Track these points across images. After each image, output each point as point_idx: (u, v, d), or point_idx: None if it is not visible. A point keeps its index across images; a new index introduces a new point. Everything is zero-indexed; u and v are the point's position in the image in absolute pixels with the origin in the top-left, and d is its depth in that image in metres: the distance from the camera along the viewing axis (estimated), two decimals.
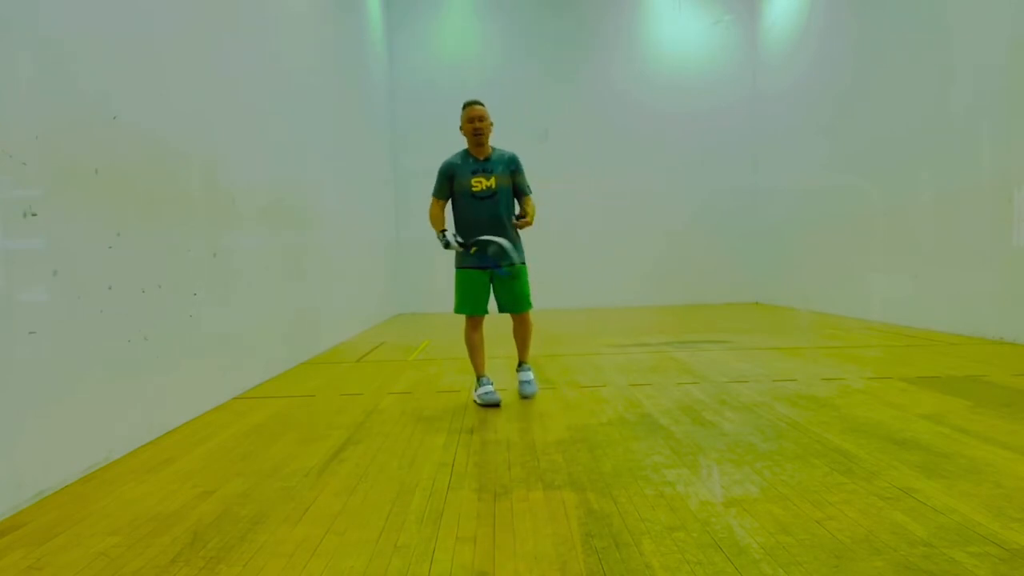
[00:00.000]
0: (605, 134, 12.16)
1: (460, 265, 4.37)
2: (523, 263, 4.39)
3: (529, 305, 4.43)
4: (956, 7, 7.14)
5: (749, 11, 12.18)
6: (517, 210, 4.41)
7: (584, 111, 12.20)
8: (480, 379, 4.36)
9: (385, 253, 11.11)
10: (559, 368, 5.60)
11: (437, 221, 4.30)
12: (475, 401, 4.33)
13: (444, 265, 12.18)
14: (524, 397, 4.42)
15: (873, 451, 3.08)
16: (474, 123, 4.22)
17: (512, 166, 4.32)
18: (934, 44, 7.45)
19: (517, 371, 4.59)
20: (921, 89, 7.65)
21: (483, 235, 4.21)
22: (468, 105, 4.28)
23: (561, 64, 12.24)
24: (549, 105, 12.06)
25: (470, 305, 4.33)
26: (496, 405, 4.21)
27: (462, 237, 4.28)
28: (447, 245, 4.18)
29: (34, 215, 2.84)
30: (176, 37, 4.15)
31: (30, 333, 2.79)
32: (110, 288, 3.34)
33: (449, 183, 4.33)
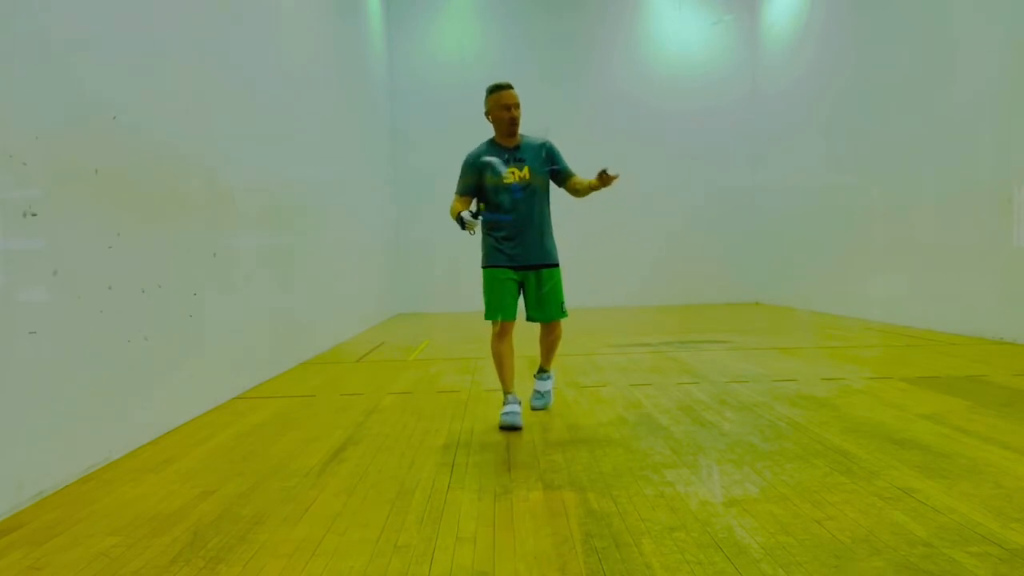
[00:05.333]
0: (605, 133, 12.14)
1: (485, 264, 3.80)
2: (557, 265, 3.83)
3: (561, 314, 3.82)
4: (956, 7, 7.14)
5: (749, 11, 12.18)
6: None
7: (584, 110, 12.19)
8: (506, 396, 3.78)
9: (385, 253, 11.10)
10: (559, 368, 5.59)
11: (455, 212, 3.64)
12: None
13: (444, 265, 12.19)
14: (533, 409, 3.86)
15: (873, 451, 3.08)
16: (511, 110, 3.68)
17: (546, 152, 3.78)
18: (934, 44, 7.44)
19: (535, 376, 3.98)
20: (921, 89, 7.65)
21: (519, 230, 3.71)
22: (499, 89, 3.71)
23: (561, 64, 12.23)
24: (549, 104, 12.00)
25: (495, 308, 3.71)
26: (516, 429, 3.66)
27: (496, 234, 3.74)
28: (463, 225, 3.57)
29: (34, 215, 2.84)
30: (176, 37, 4.15)
31: (30, 333, 2.79)
32: (110, 288, 3.34)
33: (476, 178, 3.71)
